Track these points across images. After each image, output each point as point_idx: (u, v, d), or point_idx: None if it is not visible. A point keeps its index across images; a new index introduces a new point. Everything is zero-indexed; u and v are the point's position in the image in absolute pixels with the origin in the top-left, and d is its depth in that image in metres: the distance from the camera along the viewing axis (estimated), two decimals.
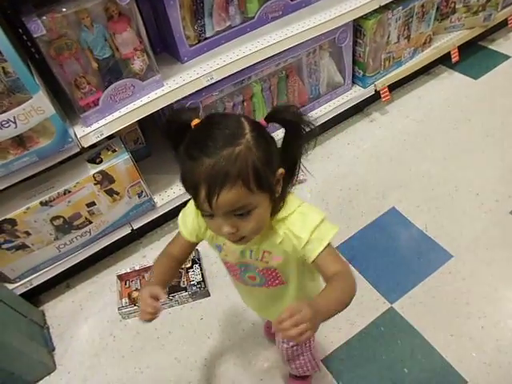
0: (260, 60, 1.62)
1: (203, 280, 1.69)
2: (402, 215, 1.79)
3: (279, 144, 0.83)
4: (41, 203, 1.46)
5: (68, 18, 1.23)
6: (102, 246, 1.70)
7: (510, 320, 1.45)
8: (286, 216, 0.83)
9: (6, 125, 1.22)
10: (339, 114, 2.06)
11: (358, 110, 2.20)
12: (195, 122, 0.77)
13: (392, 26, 1.93)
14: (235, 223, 0.74)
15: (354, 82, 2.07)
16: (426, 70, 2.35)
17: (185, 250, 0.97)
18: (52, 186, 1.48)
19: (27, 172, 1.36)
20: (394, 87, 2.21)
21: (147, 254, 1.85)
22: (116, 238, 1.74)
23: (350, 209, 1.86)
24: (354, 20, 1.81)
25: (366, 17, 1.83)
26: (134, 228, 1.75)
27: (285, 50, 1.67)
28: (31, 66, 1.31)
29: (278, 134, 0.84)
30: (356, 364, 1.42)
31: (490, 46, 2.49)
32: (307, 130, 0.81)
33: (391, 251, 1.70)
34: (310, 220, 0.82)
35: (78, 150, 1.42)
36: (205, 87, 1.57)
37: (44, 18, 1.18)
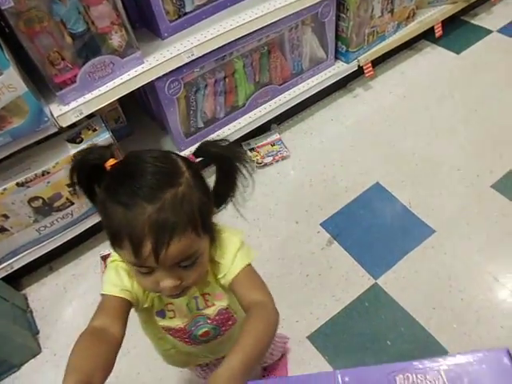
0: (242, 35, 1.59)
1: None
2: (386, 190, 1.80)
3: None
4: (17, 184, 1.42)
5: None
6: (85, 228, 1.68)
7: (488, 292, 1.49)
8: None
9: None
10: (322, 89, 2.04)
11: (341, 85, 2.18)
12: (111, 162, 0.67)
13: (375, 0, 1.89)
14: (180, 274, 0.66)
15: (336, 58, 2.05)
16: (409, 45, 2.34)
17: (124, 319, 0.71)
18: (29, 167, 1.44)
19: (1, 153, 1.32)
20: (377, 62, 2.20)
21: None
22: (99, 219, 1.70)
23: (333, 185, 1.86)
24: None
25: None
26: None
27: (267, 25, 1.63)
28: (0, 41, 1.25)
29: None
30: (341, 339, 1.45)
31: (473, 21, 2.48)
32: (242, 167, 0.73)
33: (375, 227, 1.71)
34: (230, 244, 0.76)
35: (56, 129, 1.37)
36: (186, 64, 1.53)
37: None
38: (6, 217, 1.47)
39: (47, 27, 1.23)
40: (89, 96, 1.39)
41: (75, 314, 1.63)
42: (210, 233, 0.70)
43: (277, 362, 1.37)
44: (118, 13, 1.33)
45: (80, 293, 1.69)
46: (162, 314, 0.80)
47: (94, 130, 1.51)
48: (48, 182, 1.47)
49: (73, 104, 1.37)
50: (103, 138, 1.49)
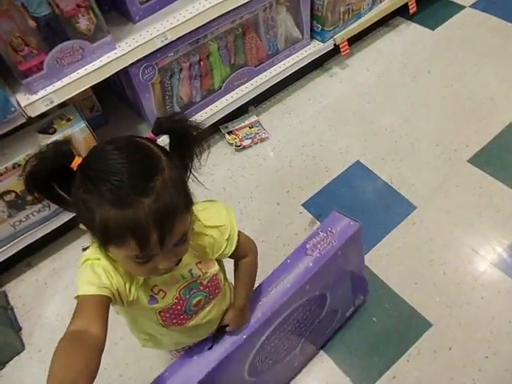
0: (215, 17, 1.54)
1: None
2: (366, 168, 1.81)
3: None
4: None
5: None
6: (64, 221, 1.63)
7: (468, 264, 1.52)
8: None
9: None
10: (298, 69, 2.02)
11: (317, 65, 2.16)
12: (78, 161, 0.63)
13: None
14: (175, 252, 0.68)
15: (312, 37, 2.02)
16: (384, 23, 2.32)
17: (104, 317, 0.68)
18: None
19: None
20: (353, 41, 2.18)
21: None
22: None
23: (313, 165, 1.85)
24: None
25: None
26: None
27: (240, 6, 1.59)
28: None
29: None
30: None
31: None
32: (195, 133, 0.73)
33: (357, 206, 1.72)
34: (218, 209, 0.84)
35: (25, 120, 1.32)
36: (159, 48, 1.49)
37: None
38: None
39: (7, 11, 1.17)
40: (59, 84, 1.34)
41: (58, 309, 1.59)
42: (191, 206, 0.70)
43: None
44: None
45: (62, 287, 1.65)
46: (153, 300, 0.79)
47: (68, 120, 1.46)
48: (20, 176, 1.41)
49: (41, 92, 1.32)
50: (78, 127, 1.45)
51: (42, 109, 1.33)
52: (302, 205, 1.74)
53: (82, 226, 0.67)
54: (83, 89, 1.39)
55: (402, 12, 2.31)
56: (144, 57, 1.47)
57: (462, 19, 2.33)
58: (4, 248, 1.54)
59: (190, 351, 0.97)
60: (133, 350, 1.46)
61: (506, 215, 1.62)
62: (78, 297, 0.69)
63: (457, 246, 1.57)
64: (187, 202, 0.66)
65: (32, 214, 1.53)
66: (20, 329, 1.58)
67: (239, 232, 0.86)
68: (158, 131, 0.71)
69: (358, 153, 1.86)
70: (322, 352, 1.38)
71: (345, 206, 1.72)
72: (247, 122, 2.00)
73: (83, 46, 1.33)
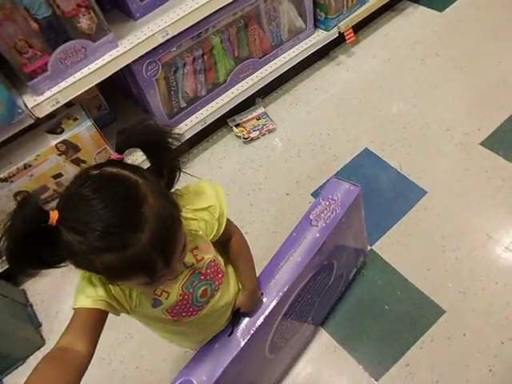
0: (216, 10, 1.54)
1: None
2: (375, 155, 1.79)
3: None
4: (0, 180, 1.40)
5: None
6: None
7: (482, 249, 1.49)
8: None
9: None
10: (304, 59, 2.00)
11: (323, 54, 2.14)
12: (55, 216, 0.59)
13: None
14: (180, 259, 0.69)
15: (316, 26, 2.00)
16: (390, 7, 2.28)
17: (95, 332, 0.68)
18: (10, 161, 1.43)
19: None
20: (358, 27, 2.15)
21: None
22: None
23: (321, 154, 1.84)
24: None
25: None
26: None
27: None
28: None
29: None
30: (338, 308, 1.45)
31: None
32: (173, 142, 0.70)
33: (367, 193, 1.64)
34: (204, 189, 0.82)
35: (33, 121, 1.35)
36: (161, 44, 1.49)
37: None
38: None
39: (10, 15, 1.20)
40: (63, 84, 1.36)
41: None
42: (180, 210, 0.68)
43: None
44: None
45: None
46: (158, 302, 0.79)
47: (75, 119, 1.49)
48: (31, 176, 1.45)
49: (47, 93, 1.34)
50: (85, 126, 1.47)
51: (49, 109, 1.36)
52: (312, 194, 1.74)
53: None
54: (88, 87, 1.41)
55: None
56: (146, 53, 1.48)
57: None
58: None
59: (211, 341, 0.96)
60: (148, 342, 1.48)
61: None
62: (74, 308, 0.70)
63: (470, 230, 1.54)
64: (177, 212, 0.65)
65: None
66: (40, 325, 1.62)
67: (221, 191, 0.85)
68: (125, 146, 0.67)
69: (367, 140, 1.84)
70: (334, 342, 1.38)
71: None
72: (254, 114, 1.99)
73: (85, 45, 1.35)
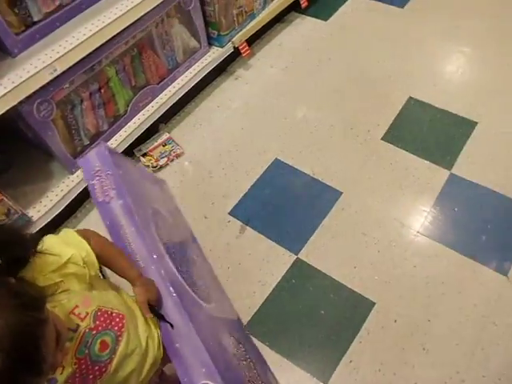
0: (106, 40, 1.48)
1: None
2: (286, 164, 1.84)
3: None
4: None
5: None
6: None
7: (398, 238, 1.60)
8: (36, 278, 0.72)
9: None
10: (202, 78, 2.00)
11: (221, 70, 2.16)
12: None
13: None
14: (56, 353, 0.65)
15: (210, 44, 2.01)
16: (280, 19, 2.38)
17: None
18: None
19: None
20: (252, 40, 2.21)
21: None
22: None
23: (233, 171, 1.85)
24: None
25: None
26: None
27: (131, 24, 1.54)
28: None
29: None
30: (277, 321, 1.47)
31: None
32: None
33: (285, 203, 1.74)
34: (54, 244, 0.78)
35: None
36: (51, 81, 1.39)
37: None
38: None
39: None
40: None
41: None
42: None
43: None
44: None
45: None
46: (52, 381, 0.72)
47: None
48: None
49: None
50: None
51: None
52: (229, 213, 1.73)
53: None
54: None
55: (294, 7, 2.38)
56: (34, 92, 1.37)
57: (351, 7, 2.44)
58: None
59: (169, 349, 0.90)
60: None
61: (422, 184, 1.72)
62: None
63: (386, 222, 1.64)
64: (37, 313, 0.60)
65: None
66: None
67: (70, 233, 0.85)
68: None
69: (276, 150, 1.88)
70: (278, 356, 1.39)
71: (271, 204, 1.74)
72: (159, 141, 1.94)
73: None
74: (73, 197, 1.66)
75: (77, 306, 0.76)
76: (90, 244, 0.84)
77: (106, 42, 1.49)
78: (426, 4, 2.40)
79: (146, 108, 1.84)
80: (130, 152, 1.89)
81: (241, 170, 1.85)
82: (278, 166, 1.84)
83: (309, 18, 2.42)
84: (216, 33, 1.96)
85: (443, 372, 1.34)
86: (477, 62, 2.15)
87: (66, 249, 0.78)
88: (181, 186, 1.84)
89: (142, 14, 1.56)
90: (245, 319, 1.47)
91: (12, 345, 0.54)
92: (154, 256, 0.98)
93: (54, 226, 1.72)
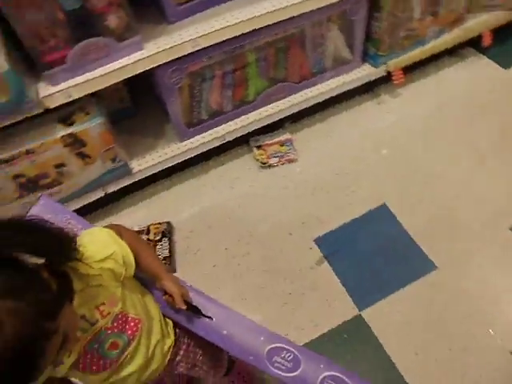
0: (254, 29, 1.46)
1: (170, 256, 1.62)
2: (392, 215, 1.66)
3: None
4: (0, 161, 1.38)
5: None
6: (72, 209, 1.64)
7: (488, 350, 1.35)
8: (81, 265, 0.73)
9: None
10: (344, 92, 1.88)
11: (365, 89, 2.01)
12: None
13: (415, 1, 1.70)
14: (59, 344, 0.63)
15: (364, 60, 1.87)
16: (452, 51, 2.11)
17: None
18: (14, 143, 1.40)
19: None
20: (410, 67, 2.00)
21: (121, 220, 1.79)
22: (88, 202, 1.67)
23: (338, 197, 1.73)
24: None
25: None
26: (108, 192, 1.68)
27: (283, 21, 1.49)
28: None
29: None
30: None
31: None
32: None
33: (372, 253, 1.58)
34: (100, 238, 0.81)
35: (42, 110, 1.31)
36: (190, 53, 1.42)
37: None
38: None
39: (37, 2, 1.15)
40: (80, 79, 1.31)
41: None
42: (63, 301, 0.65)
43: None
44: None
45: None
46: (58, 362, 0.74)
47: (87, 114, 1.45)
48: (33, 161, 1.42)
49: (62, 85, 1.30)
50: (95, 122, 1.43)
51: (61, 101, 1.32)
52: (315, 240, 1.63)
53: None
54: (103, 86, 1.36)
55: (473, 43, 2.09)
56: (173, 60, 1.41)
57: None
58: None
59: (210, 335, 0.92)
60: None
61: None
62: None
63: (474, 322, 1.40)
64: (49, 321, 0.59)
65: None
66: None
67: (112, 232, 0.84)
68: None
69: (389, 195, 1.71)
70: None
71: (358, 250, 1.60)
72: (279, 139, 1.90)
73: (109, 44, 1.29)
74: (172, 164, 1.72)
75: (103, 304, 0.77)
76: (122, 238, 0.85)
77: (255, 30, 1.46)
78: None
79: (277, 103, 1.79)
80: (245, 140, 1.89)
81: (346, 199, 1.72)
82: (382, 212, 1.67)
83: (487, 59, 2.12)
84: (374, 50, 1.81)
85: None
86: None
87: (110, 244, 0.80)
88: (281, 193, 1.78)
89: (300, 12, 1.49)
90: None
91: (11, 355, 0.54)
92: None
93: (150, 182, 1.81)
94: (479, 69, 2.09)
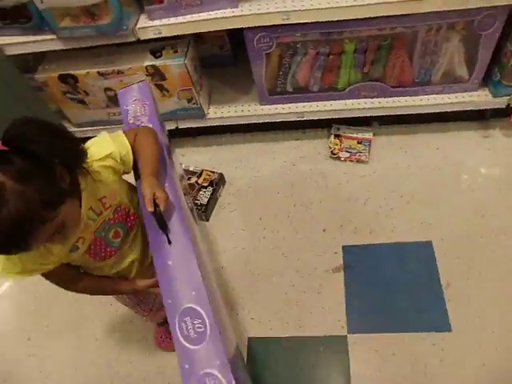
0: (354, 18, 1.36)
1: (207, 204, 1.72)
2: (432, 255, 1.50)
3: None
4: (98, 73, 1.60)
5: None
6: None
7: None
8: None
9: None
10: (445, 112, 1.68)
11: (474, 115, 1.75)
12: None
13: None
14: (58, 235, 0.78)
15: (482, 84, 1.62)
16: None
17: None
18: (112, 62, 1.59)
19: (86, 43, 1.47)
20: None
21: (183, 157, 1.93)
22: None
23: (386, 216, 1.62)
24: None
25: None
26: (179, 127, 1.82)
27: (391, 16, 1.36)
28: None
29: None
30: (264, 366, 1.39)
31: None
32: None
33: (392, 284, 1.48)
34: (103, 139, 0.90)
35: (134, 39, 1.45)
36: (281, 25, 1.41)
37: None
38: (86, 93, 1.69)
39: None
40: (172, 20, 1.41)
41: None
42: (63, 195, 0.75)
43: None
44: None
45: None
46: (75, 248, 0.88)
47: (175, 52, 1.56)
48: (121, 80, 1.61)
49: (156, 22, 1.42)
50: (177, 62, 1.54)
51: (150, 35, 1.45)
52: (343, 247, 1.58)
53: None
54: (192, 32, 1.45)
55: None
56: (262, 26, 1.42)
57: None
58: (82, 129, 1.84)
59: (158, 263, 0.86)
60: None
61: None
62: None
63: None
64: (42, 217, 0.71)
65: None
66: None
67: (119, 133, 0.93)
68: (9, 143, 0.70)
69: (439, 235, 1.54)
70: None
71: (380, 274, 1.51)
72: (359, 136, 1.81)
73: None
74: (245, 122, 1.79)
75: (104, 197, 0.90)
76: (134, 140, 0.95)
77: (354, 20, 1.37)
78: None
79: (366, 100, 1.69)
80: (325, 124, 1.84)
81: (393, 221, 1.61)
82: (424, 248, 1.52)
83: None
84: (499, 76, 1.56)
85: None
86: None
87: (109, 145, 0.90)
88: (334, 188, 1.74)
89: (413, 12, 1.35)
90: (259, 332, 1.46)
91: (6, 229, 0.66)
92: (167, 184, 0.97)
93: (221, 131, 1.90)
94: None
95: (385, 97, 1.67)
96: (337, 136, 1.83)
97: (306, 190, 1.74)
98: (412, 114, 1.69)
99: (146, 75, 1.58)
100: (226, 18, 1.39)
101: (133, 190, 0.99)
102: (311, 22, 1.39)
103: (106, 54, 1.60)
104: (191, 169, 1.83)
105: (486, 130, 1.76)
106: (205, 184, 1.77)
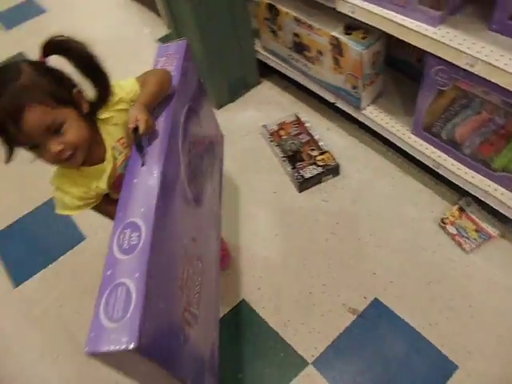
0: None
1: (307, 179, 1.79)
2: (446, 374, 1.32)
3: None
4: (295, 18, 1.72)
5: None
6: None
7: None
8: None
9: None
10: None
11: None
12: None
13: None
14: (59, 140, 0.85)
15: None
16: None
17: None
18: (311, 15, 1.67)
19: None
20: None
21: (331, 130, 1.97)
22: (320, 95, 1.92)
23: (439, 312, 1.45)
24: None
25: None
26: (336, 104, 1.86)
27: None
28: None
29: None
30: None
31: None
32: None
33: (388, 365, 1.38)
34: (114, 86, 0.98)
35: (332, 6, 1.48)
36: (464, 69, 1.25)
37: None
38: (280, 28, 1.84)
39: None
40: (365, 4, 1.39)
41: None
42: (72, 106, 0.88)
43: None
44: None
45: None
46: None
47: (364, 38, 1.54)
48: (309, 34, 1.70)
49: (356, 1, 1.41)
50: (357, 48, 1.53)
51: (345, 11, 1.45)
52: (376, 298, 1.50)
53: None
54: (378, 27, 1.40)
55: None
56: (445, 60, 1.29)
57: None
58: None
59: (127, 179, 0.92)
60: None
61: None
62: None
63: None
64: (43, 101, 0.82)
65: (300, 64, 1.87)
66: None
67: (130, 78, 1.04)
68: (50, 52, 0.87)
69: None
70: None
71: (382, 345, 1.41)
72: (483, 225, 1.56)
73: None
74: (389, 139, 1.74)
75: (122, 138, 1.01)
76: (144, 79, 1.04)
77: None
78: None
79: None
80: (456, 187, 1.63)
81: (438, 321, 1.44)
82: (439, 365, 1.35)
83: None
84: None
85: None
86: None
87: (119, 91, 1.00)
88: (417, 249, 1.60)
89: None
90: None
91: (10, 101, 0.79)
92: (162, 118, 1.01)
93: (373, 133, 1.86)
94: None
95: None
96: (461, 209, 1.62)
97: (391, 232, 1.65)
98: None
99: (329, 44, 1.62)
100: (412, 30, 1.30)
101: None
102: (496, 84, 1.21)
103: (311, 6, 1.67)
104: (320, 144, 1.87)
105: None
106: (319, 163, 1.81)
